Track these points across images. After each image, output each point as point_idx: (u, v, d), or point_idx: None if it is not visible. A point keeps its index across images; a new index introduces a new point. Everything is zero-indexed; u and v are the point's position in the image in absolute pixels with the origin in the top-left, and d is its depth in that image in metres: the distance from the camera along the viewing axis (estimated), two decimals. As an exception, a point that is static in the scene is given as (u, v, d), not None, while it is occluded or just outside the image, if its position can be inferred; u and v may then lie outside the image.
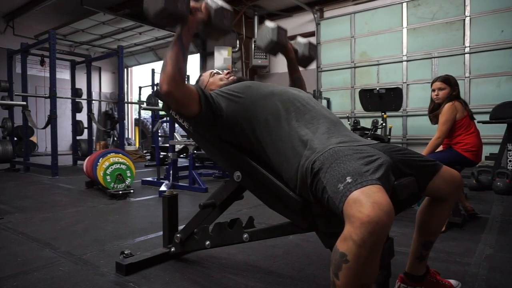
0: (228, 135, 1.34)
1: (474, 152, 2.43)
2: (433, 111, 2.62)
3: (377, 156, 0.99)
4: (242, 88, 1.31)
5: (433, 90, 2.58)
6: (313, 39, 6.92)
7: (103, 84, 11.46)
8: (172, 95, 1.14)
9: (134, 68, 11.89)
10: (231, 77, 1.53)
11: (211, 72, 1.58)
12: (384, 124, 4.80)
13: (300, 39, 1.68)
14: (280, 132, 1.17)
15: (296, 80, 1.70)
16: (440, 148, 2.55)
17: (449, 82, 2.52)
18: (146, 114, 10.48)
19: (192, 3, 1.15)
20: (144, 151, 8.64)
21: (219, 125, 1.28)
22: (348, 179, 0.87)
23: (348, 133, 1.18)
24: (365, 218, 0.77)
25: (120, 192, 3.45)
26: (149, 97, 7.64)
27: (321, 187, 0.95)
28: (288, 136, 1.14)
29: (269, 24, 1.53)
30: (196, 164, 5.05)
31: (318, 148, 1.05)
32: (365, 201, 0.80)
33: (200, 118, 1.23)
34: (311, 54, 1.67)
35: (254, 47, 7.30)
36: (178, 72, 1.12)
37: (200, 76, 1.61)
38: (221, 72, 1.57)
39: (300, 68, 1.70)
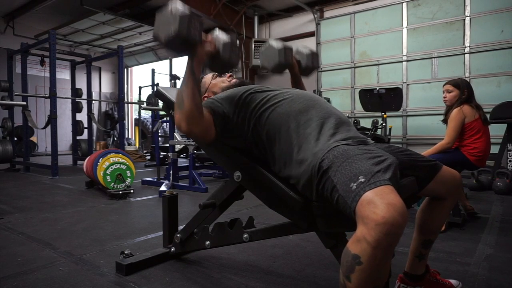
0: (234, 139, 1.31)
1: (480, 157, 2.42)
2: (446, 114, 2.63)
3: (385, 157, 0.98)
4: (245, 91, 1.30)
5: (443, 92, 2.60)
6: (313, 39, 6.92)
7: (103, 84, 11.46)
8: (193, 132, 1.13)
9: (134, 68, 11.89)
10: (233, 80, 1.53)
11: (213, 75, 1.57)
12: (384, 124, 4.80)
13: (302, 49, 1.62)
14: (285, 130, 1.17)
15: None
16: None
17: (458, 85, 2.52)
18: (146, 114, 10.48)
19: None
20: (144, 151, 8.64)
21: (228, 129, 1.27)
22: (361, 179, 0.86)
23: (351, 128, 1.18)
24: (380, 220, 0.76)
25: (120, 192, 3.45)
26: (149, 97, 7.64)
27: (331, 186, 0.94)
28: (294, 133, 1.14)
29: (275, 43, 1.45)
30: (196, 164, 5.04)
31: (324, 145, 1.05)
32: (379, 202, 0.79)
33: (217, 138, 1.24)
34: (314, 64, 1.64)
35: (254, 47, 7.29)
36: (196, 109, 1.11)
37: (202, 78, 1.60)
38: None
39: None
